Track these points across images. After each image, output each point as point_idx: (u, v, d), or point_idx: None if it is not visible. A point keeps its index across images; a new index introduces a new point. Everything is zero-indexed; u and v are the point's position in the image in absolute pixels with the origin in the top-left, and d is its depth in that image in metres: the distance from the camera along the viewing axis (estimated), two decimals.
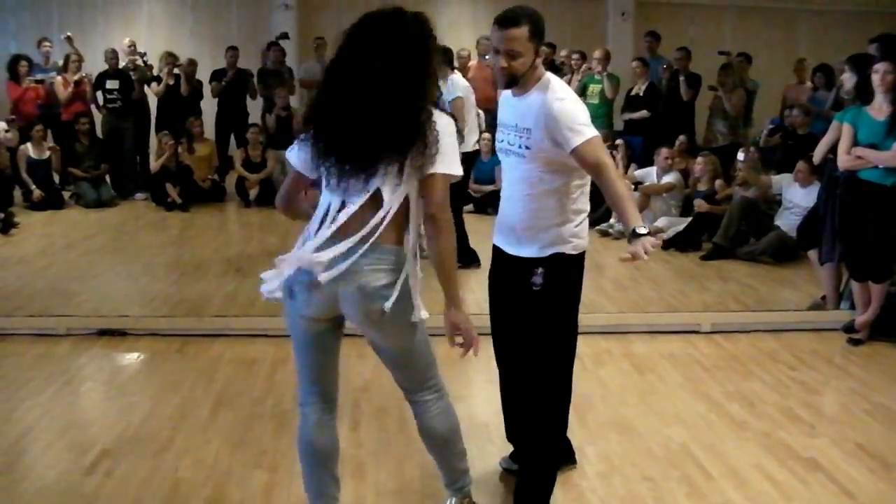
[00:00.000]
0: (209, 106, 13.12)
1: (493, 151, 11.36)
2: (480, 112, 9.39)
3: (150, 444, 4.58)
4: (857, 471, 4.40)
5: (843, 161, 6.34)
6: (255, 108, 13.07)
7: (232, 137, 12.96)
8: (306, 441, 3.54)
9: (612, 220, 10.13)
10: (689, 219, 9.67)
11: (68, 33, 12.82)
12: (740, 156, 9.83)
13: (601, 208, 10.56)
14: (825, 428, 4.95)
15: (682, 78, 11.65)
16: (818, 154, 6.83)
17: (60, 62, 12.57)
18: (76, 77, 12.29)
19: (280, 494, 4.11)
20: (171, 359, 5.95)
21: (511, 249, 3.94)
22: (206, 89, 13.07)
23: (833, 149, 6.53)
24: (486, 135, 11.45)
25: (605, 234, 10.03)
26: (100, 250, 9.26)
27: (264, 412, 5.01)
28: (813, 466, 4.43)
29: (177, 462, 4.40)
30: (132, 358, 6.04)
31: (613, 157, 10.80)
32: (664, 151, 10.31)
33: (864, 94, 6.44)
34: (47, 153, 11.83)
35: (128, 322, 6.45)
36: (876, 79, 6.22)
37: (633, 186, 10.30)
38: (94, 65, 12.98)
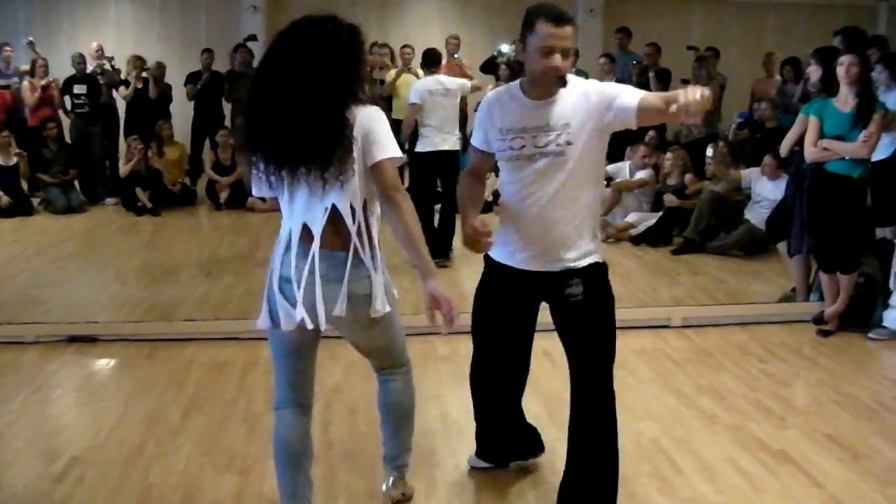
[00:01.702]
0: (180, 109, 13.08)
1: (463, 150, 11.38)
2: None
3: (121, 450, 4.55)
4: (826, 461, 4.43)
5: (810, 153, 6.38)
6: (229, 110, 13.03)
7: (208, 140, 12.91)
8: (282, 443, 3.55)
9: None
10: (660, 214, 9.70)
11: (30, 38, 12.75)
12: (709, 151, 9.86)
13: None
14: (795, 419, 4.98)
15: (651, 73, 11.68)
16: (785, 147, 6.87)
17: (23, 67, 12.48)
18: (43, 82, 12.21)
19: (251, 497, 4.09)
20: (141, 364, 5.92)
21: (536, 266, 3.75)
22: (176, 92, 13.03)
23: (800, 141, 6.57)
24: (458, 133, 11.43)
25: None
26: (69, 256, 9.20)
27: (235, 415, 4.99)
28: (783, 458, 4.46)
29: (148, 468, 4.37)
30: (102, 364, 6.01)
31: None
32: (641, 149, 10.32)
33: (829, 86, 6.48)
34: (14, 159, 11.72)
35: (97, 328, 6.41)
36: (841, 71, 6.26)
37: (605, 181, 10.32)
38: (61, 69, 12.88)
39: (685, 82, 11.45)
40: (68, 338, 6.28)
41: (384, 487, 3.99)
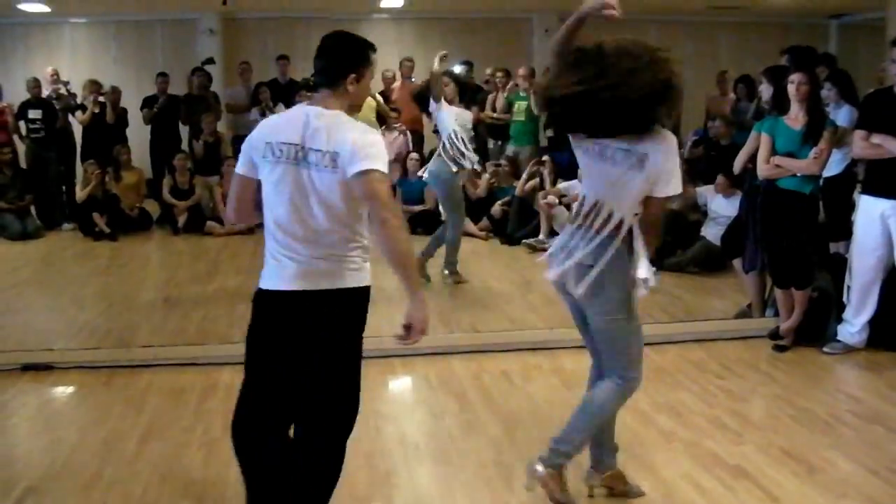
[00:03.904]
0: (137, 134, 13.01)
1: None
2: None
3: (78, 479, 4.50)
4: (782, 475, 4.47)
5: (763, 170, 6.45)
6: (187, 133, 12.99)
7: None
8: None
9: (541, 236, 10.21)
10: None
11: None
12: None
13: (533, 222, 10.68)
14: (751, 435, 5.02)
15: None
16: (738, 164, 6.94)
17: None
18: None
19: None
20: (98, 391, 5.86)
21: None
22: (132, 116, 12.96)
23: (752, 158, 6.64)
24: (414, 154, 11.51)
25: (533, 249, 10.08)
26: (25, 283, 9.13)
27: (192, 441, 4.96)
28: (739, 473, 4.49)
29: (105, 496, 4.32)
30: (58, 392, 5.95)
31: (541, 174, 10.89)
32: None
33: (780, 104, 6.56)
34: None
35: (53, 355, 6.34)
36: (791, 89, 6.34)
37: (557, 200, 10.37)
38: (15, 94, 12.79)
39: None
40: (23, 366, 6.19)
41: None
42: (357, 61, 3.58)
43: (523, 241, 10.43)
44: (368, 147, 3.37)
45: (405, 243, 3.44)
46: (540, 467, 4.01)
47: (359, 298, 3.58)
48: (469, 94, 8.56)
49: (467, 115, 8.72)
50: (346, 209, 3.44)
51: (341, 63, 3.55)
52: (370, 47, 3.64)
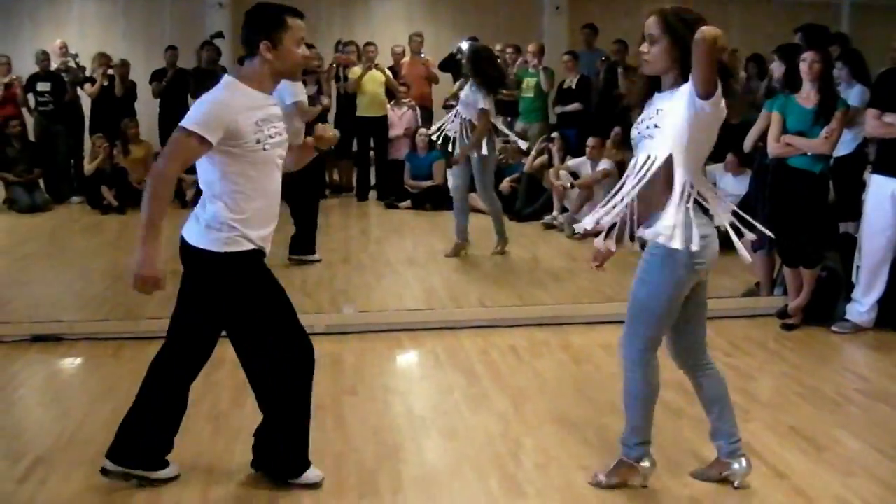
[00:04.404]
0: (145, 107, 12.99)
1: (429, 147, 11.41)
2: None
3: (86, 451, 4.50)
4: (789, 453, 4.48)
5: (773, 148, 6.43)
6: None
7: None
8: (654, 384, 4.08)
9: (554, 213, 10.21)
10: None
11: None
12: None
13: (541, 198, 10.66)
14: (759, 412, 5.02)
15: (620, 70, 11.71)
16: (748, 142, 6.93)
17: None
18: (6, 80, 12.11)
19: (217, 496, 4.07)
20: (106, 363, 5.88)
21: None
22: (141, 90, 12.95)
23: (763, 137, 6.63)
24: (423, 130, 11.50)
25: (549, 226, 10.08)
26: (34, 255, 9.14)
27: (200, 414, 4.95)
28: (747, 450, 4.44)
29: None
30: (67, 363, 5.97)
31: (550, 151, 10.87)
32: (590, 141, 10.36)
33: (792, 82, 6.54)
34: None
35: (62, 327, 6.36)
36: (804, 67, 6.31)
37: (570, 178, 10.37)
38: (24, 67, 12.78)
39: None
40: (32, 337, 6.22)
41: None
42: (269, 28, 3.73)
43: (543, 218, 10.40)
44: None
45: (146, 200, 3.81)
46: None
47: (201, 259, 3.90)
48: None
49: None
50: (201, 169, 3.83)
51: (252, 32, 3.76)
52: (287, 12, 3.77)
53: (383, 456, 4.41)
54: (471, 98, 8.30)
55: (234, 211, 3.78)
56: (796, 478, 4.22)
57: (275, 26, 3.72)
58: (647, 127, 3.79)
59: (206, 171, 3.80)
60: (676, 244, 3.62)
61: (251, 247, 3.85)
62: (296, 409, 4.07)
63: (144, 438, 4.10)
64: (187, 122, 3.64)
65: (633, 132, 3.90)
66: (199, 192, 3.93)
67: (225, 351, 5.71)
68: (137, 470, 4.09)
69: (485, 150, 8.31)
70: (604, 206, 3.90)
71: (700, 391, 4.19)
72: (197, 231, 3.87)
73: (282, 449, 4.09)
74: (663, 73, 3.76)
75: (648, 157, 3.77)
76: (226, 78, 3.85)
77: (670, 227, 3.63)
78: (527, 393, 5.26)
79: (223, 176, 3.76)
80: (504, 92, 12.58)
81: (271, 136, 3.82)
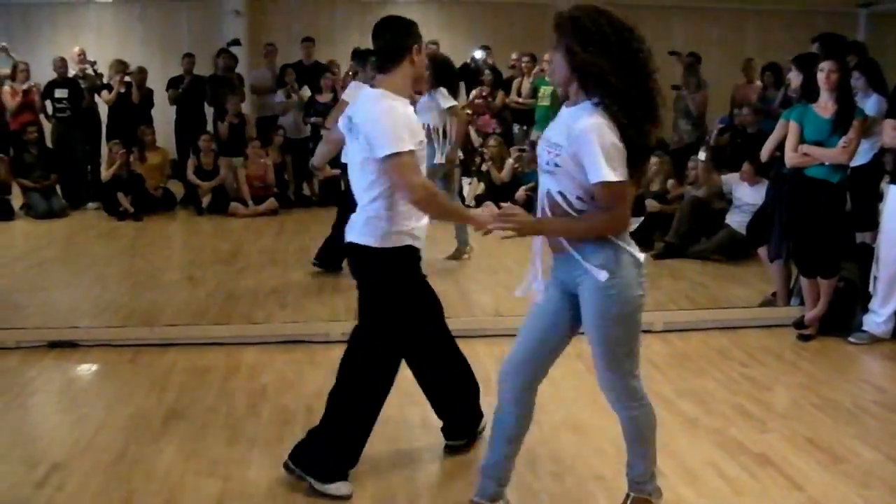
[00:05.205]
0: (162, 114, 13.05)
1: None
2: None
3: (102, 456, 4.53)
4: (806, 464, 4.46)
5: (790, 158, 6.42)
6: (212, 114, 13.02)
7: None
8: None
9: None
10: (641, 218, 9.72)
11: (3, 43, 12.73)
12: (702, 154, 9.84)
13: None
14: (775, 423, 5.00)
15: None
16: (765, 152, 6.91)
17: (3, 71, 12.41)
18: (24, 86, 12.15)
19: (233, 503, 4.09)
20: (122, 369, 5.90)
21: None
22: (158, 97, 13.00)
23: (780, 146, 6.61)
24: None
25: None
26: (50, 261, 9.18)
27: (217, 421, 4.97)
28: (763, 461, 4.48)
29: (129, 474, 4.35)
30: (83, 369, 5.98)
31: None
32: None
33: (809, 92, 6.52)
34: None
35: (78, 333, 6.38)
36: (821, 77, 6.29)
37: None
38: (42, 73, 12.83)
39: (675, 88, 11.52)
40: (49, 343, 6.24)
41: None
42: (416, 35, 4.02)
43: None
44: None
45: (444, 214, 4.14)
46: None
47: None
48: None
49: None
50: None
51: (401, 38, 3.97)
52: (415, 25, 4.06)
53: (398, 462, 4.42)
54: (431, 104, 8.23)
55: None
56: (813, 489, 4.20)
57: (417, 34, 3.94)
58: (547, 163, 3.46)
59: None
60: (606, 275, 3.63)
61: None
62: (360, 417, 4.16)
63: (333, 451, 4.13)
64: (393, 146, 3.74)
65: (539, 149, 3.56)
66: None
67: (241, 357, 5.75)
68: (317, 481, 4.10)
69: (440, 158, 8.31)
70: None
71: (511, 415, 3.94)
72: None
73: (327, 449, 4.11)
74: (565, 86, 3.45)
75: (549, 192, 3.52)
76: (378, 91, 3.94)
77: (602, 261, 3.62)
78: (542, 401, 5.19)
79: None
80: (519, 100, 12.66)
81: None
